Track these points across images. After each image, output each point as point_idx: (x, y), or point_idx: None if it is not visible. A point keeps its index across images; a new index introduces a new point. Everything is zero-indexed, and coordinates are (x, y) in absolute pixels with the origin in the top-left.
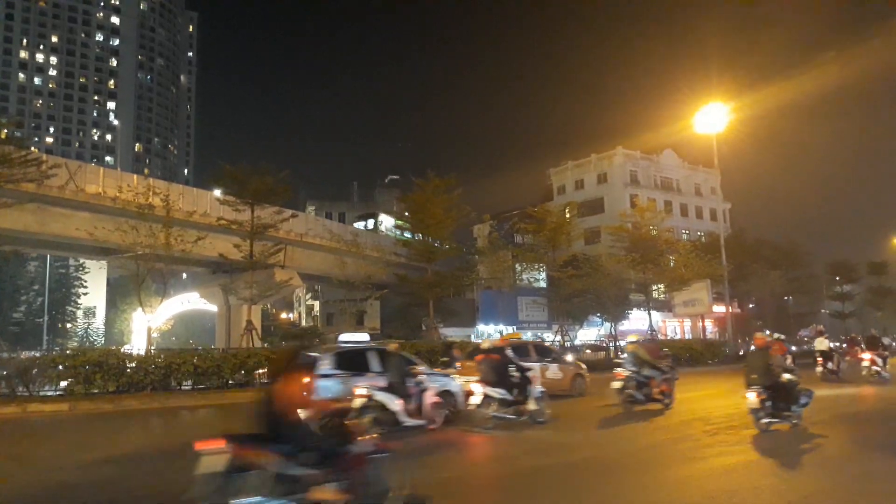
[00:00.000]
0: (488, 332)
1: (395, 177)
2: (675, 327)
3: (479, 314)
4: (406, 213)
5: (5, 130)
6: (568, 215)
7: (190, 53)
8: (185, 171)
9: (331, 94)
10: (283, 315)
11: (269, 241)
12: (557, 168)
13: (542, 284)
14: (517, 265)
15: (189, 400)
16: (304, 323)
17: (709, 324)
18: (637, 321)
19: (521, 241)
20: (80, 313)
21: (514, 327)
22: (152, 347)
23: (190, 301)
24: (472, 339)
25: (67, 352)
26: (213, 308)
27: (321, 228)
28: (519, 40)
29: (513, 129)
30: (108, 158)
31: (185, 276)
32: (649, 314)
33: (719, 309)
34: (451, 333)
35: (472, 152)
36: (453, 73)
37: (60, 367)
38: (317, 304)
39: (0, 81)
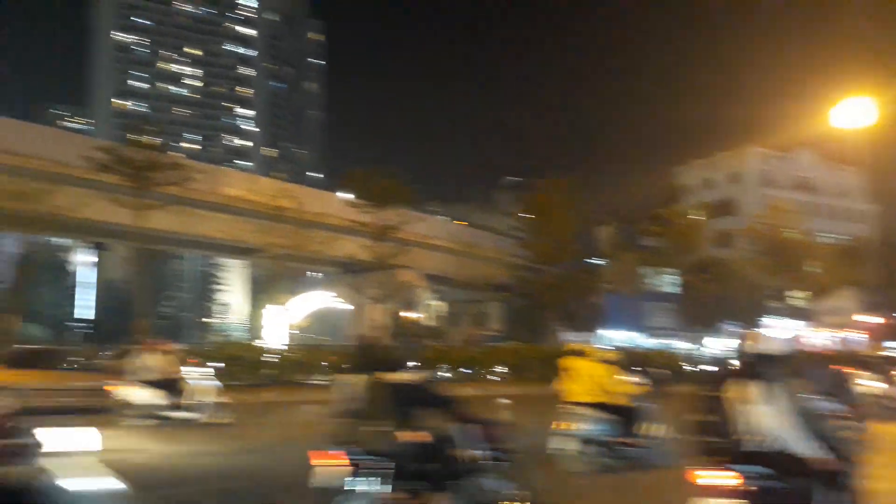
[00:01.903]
0: (611, 338)
1: (514, 178)
2: (818, 338)
3: (603, 319)
4: (526, 215)
5: (154, 138)
6: (697, 217)
7: (319, 60)
8: (315, 174)
9: (452, 96)
10: (408, 315)
11: (393, 243)
12: (683, 167)
13: (672, 289)
14: (643, 269)
15: (323, 394)
16: (427, 323)
17: (856, 335)
18: (774, 330)
19: (646, 244)
20: (222, 309)
21: (645, 334)
22: (288, 343)
23: (323, 299)
24: (594, 344)
25: (210, 345)
26: (345, 306)
27: (443, 230)
28: (640, 34)
29: (634, 127)
30: (243, 163)
31: (319, 275)
32: (789, 323)
33: (866, 319)
34: (573, 339)
35: (593, 152)
36: (572, 71)
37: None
38: (440, 304)
39: (147, 92)
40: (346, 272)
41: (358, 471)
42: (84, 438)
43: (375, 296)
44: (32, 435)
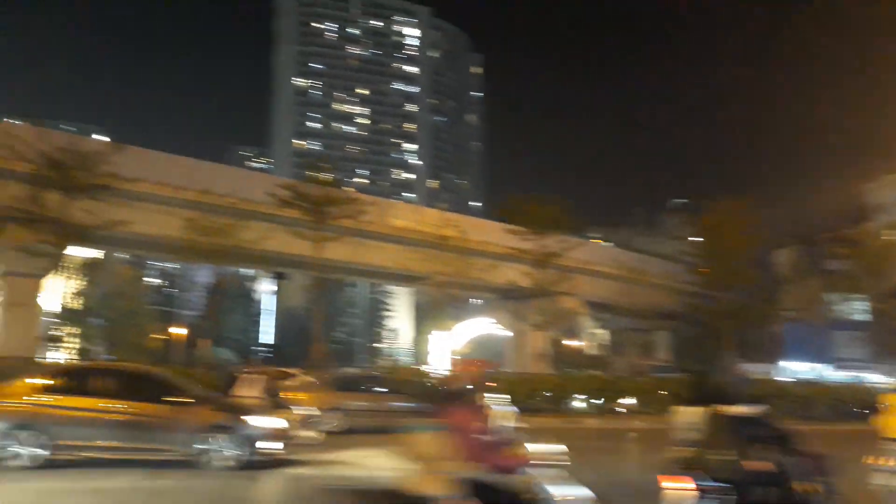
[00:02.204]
0: (794, 370)
1: (681, 200)
2: None
3: (784, 349)
4: (696, 239)
5: (329, 174)
6: (891, 237)
7: (477, 93)
8: (475, 203)
9: (613, 118)
10: (570, 342)
11: (554, 269)
12: (875, 183)
13: (862, 317)
14: (828, 295)
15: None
16: (590, 351)
17: None
18: None
19: (832, 268)
20: (389, 335)
21: (832, 366)
22: (450, 369)
23: (485, 325)
24: (776, 376)
25: (380, 370)
26: (505, 333)
27: (605, 255)
28: (812, 43)
29: (816, 141)
30: (409, 195)
31: (478, 301)
32: None
33: None
34: (751, 369)
35: (768, 170)
36: (741, 86)
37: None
38: (603, 332)
39: (322, 131)
40: (507, 299)
41: (704, 495)
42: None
43: (536, 323)
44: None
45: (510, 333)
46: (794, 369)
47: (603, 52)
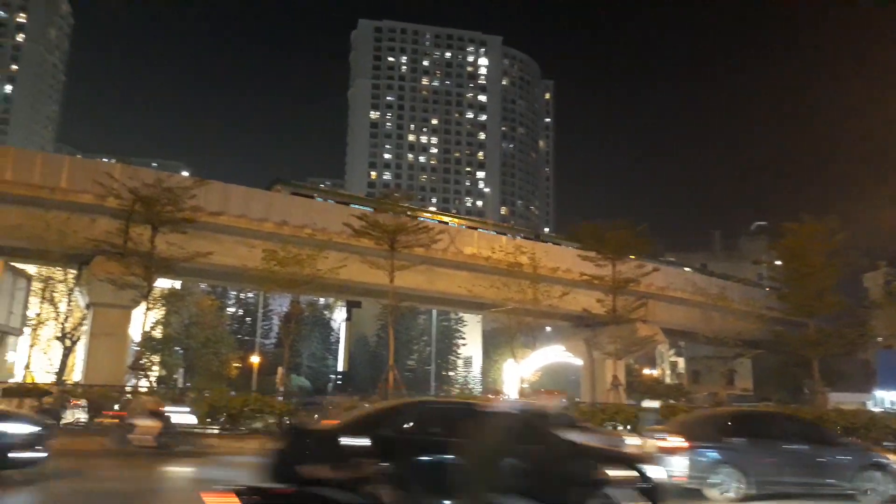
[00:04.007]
0: (890, 400)
1: (761, 223)
2: None
3: (876, 378)
4: (778, 262)
5: (402, 205)
6: None
7: (547, 119)
8: (546, 229)
9: (685, 139)
10: (647, 371)
11: (630, 296)
12: None
13: None
14: None
15: None
16: (668, 380)
17: None
18: None
19: None
20: (460, 362)
21: None
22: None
23: (555, 353)
24: (869, 406)
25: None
26: (578, 361)
27: (683, 281)
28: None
29: None
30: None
31: (549, 329)
32: None
33: None
34: (841, 399)
35: (855, 188)
36: (821, 102)
37: None
38: (681, 360)
39: (395, 162)
40: (580, 326)
41: None
42: None
43: (611, 351)
44: None
45: (582, 362)
46: (891, 399)
47: (674, 75)
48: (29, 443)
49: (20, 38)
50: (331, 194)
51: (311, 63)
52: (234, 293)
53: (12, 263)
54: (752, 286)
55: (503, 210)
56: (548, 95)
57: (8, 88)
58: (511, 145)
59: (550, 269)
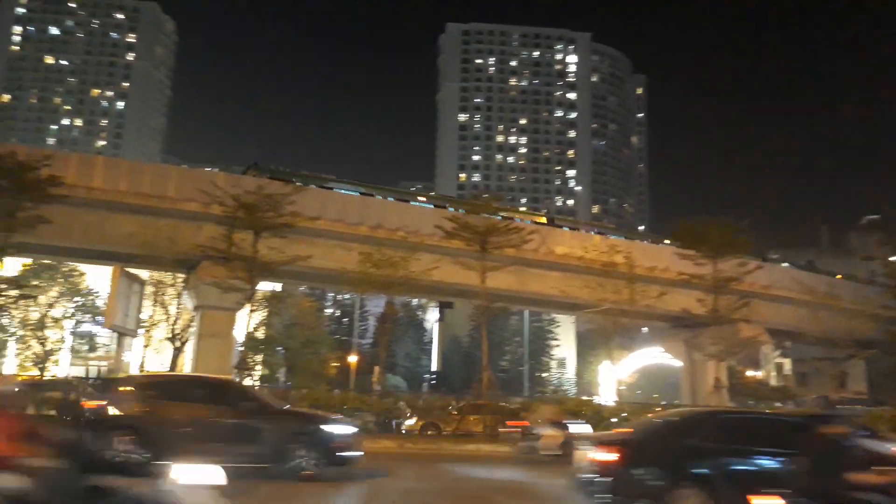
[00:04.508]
0: None
1: (873, 216)
2: None
3: None
4: (893, 259)
5: (492, 205)
6: None
7: (639, 114)
8: (641, 227)
9: (787, 130)
10: (750, 373)
11: (731, 295)
12: None
13: None
14: None
15: None
16: (773, 382)
17: None
18: None
19: None
20: (553, 364)
21: None
22: (618, 400)
23: (652, 355)
24: None
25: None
26: (677, 363)
27: (788, 279)
28: None
29: None
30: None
31: (645, 330)
32: None
33: None
34: None
35: None
36: None
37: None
38: (787, 362)
39: (484, 163)
40: (679, 327)
41: None
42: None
43: (712, 352)
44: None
45: (681, 364)
46: None
47: (773, 62)
48: (350, 443)
49: (130, 56)
50: (313, 179)
51: (400, 68)
52: (332, 295)
53: (127, 269)
54: (865, 284)
55: (595, 208)
56: (640, 90)
57: (120, 104)
58: (602, 142)
59: (647, 268)
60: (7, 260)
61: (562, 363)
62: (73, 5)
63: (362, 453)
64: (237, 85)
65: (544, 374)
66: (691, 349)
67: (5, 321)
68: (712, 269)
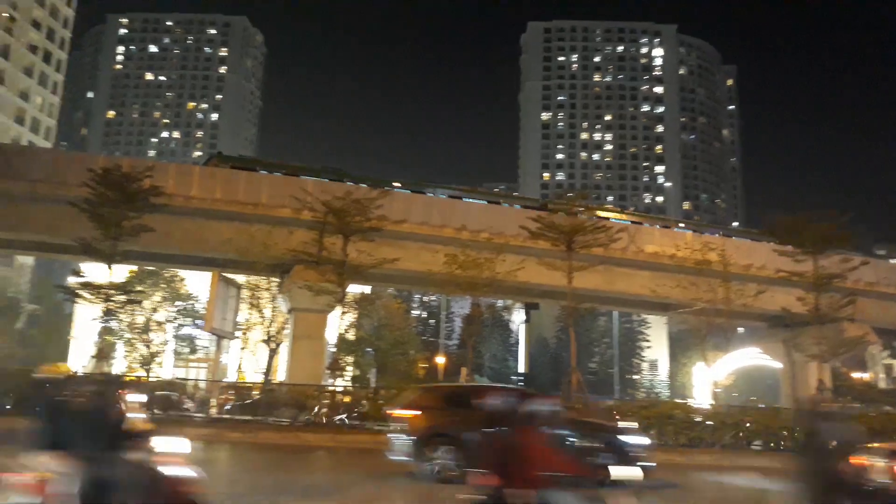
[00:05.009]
0: None
1: None
2: None
3: None
4: None
5: (578, 204)
6: None
7: (730, 106)
8: (735, 223)
9: (890, 119)
10: (856, 375)
11: (835, 293)
12: None
13: None
14: None
15: (761, 461)
16: (882, 385)
17: None
18: None
19: None
20: (644, 365)
21: None
22: (714, 402)
23: (749, 356)
24: None
25: (640, 403)
26: (776, 364)
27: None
28: None
29: None
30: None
31: (741, 330)
32: None
33: None
34: None
35: None
36: None
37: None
38: None
39: (568, 161)
40: (778, 326)
41: None
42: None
43: (815, 353)
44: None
45: (781, 365)
46: None
47: (872, 47)
48: (645, 453)
49: (222, 69)
50: (277, 167)
51: (482, 71)
52: (418, 296)
53: (225, 274)
54: None
55: (686, 205)
56: (730, 82)
57: (214, 116)
58: (692, 136)
59: (742, 266)
60: (115, 267)
61: (653, 365)
62: (170, 23)
63: (655, 464)
64: (323, 92)
65: (635, 377)
66: (791, 350)
67: (114, 325)
68: (813, 266)
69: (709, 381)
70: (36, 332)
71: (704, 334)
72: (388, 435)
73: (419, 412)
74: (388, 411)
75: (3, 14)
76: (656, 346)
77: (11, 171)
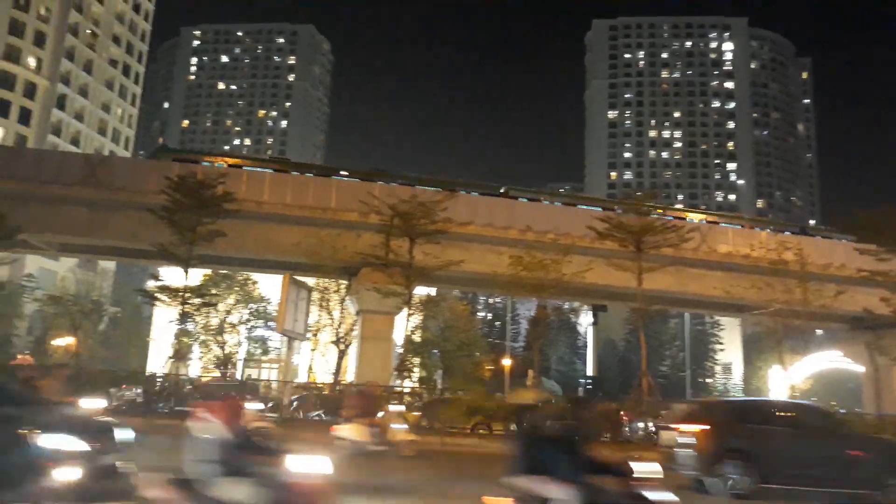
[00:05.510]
0: None
1: None
2: None
3: None
4: None
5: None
6: None
7: (806, 100)
8: (811, 221)
9: None
10: None
11: None
12: None
13: None
14: None
15: None
16: None
17: None
18: None
19: None
20: (717, 369)
21: None
22: None
23: (829, 359)
24: None
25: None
26: (858, 368)
27: None
28: None
29: None
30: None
31: (820, 332)
32: None
33: None
34: None
35: None
36: None
37: None
38: None
39: (636, 160)
40: (860, 328)
41: None
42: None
43: None
44: None
45: (863, 368)
46: None
47: None
48: None
49: (291, 77)
50: (250, 160)
51: (546, 70)
52: (484, 298)
53: (295, 277)
54: None
55: (759, 203)
56: (805, 75)
57: (284, 123)
58: (765, 132)
59: (821, 265)
60: (190, 271)
61: (727, 368)
62: (240, 34)
63: None
64: (389, 97)
65: (708, 380)
66: (875, 352)
67: (190, 327)
68: None
69: (786, 384)
70: (117, 333)
71: (781, 336)
72: (674, 449)
73: (707, 427)
74: (667, 424)
75: (87, 31)
76: (730, 348)
77: (94, 179)
